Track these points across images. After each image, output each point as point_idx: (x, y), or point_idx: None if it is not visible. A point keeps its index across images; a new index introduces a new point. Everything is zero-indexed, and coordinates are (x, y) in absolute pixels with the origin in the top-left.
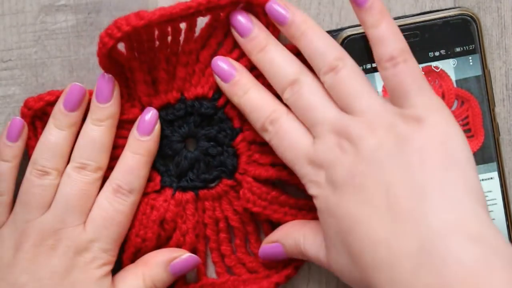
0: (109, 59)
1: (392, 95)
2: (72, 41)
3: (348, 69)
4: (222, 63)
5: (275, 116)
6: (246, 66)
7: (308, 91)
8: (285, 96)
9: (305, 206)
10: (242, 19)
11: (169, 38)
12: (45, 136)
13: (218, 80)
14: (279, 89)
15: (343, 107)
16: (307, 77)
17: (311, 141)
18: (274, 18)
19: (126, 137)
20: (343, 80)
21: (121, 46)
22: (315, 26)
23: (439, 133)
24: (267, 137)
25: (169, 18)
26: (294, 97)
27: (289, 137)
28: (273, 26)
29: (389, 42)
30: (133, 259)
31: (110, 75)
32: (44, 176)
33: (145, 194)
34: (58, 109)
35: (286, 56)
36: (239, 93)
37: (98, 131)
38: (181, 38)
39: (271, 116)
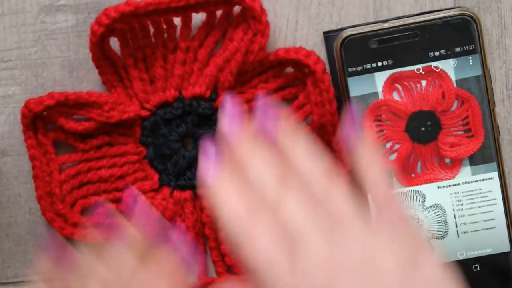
0: (102, 54)
1: (383, 233)
2: (72, 41)
3: (340, 194)
4: (209, 166)
5: (254, 229)
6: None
7: (295, 211)
8: (268, 212)
9: None
10: (232, 120)
11: (165, 35)
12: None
13: (200, 176)
14: (260, 202)
15: (332, 234)
16: (295, 195)
17: (289, 266)
18: (263, 135)
19: (128, 136)
20: (335, 207)
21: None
22: (307, 144)
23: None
24: (240, 252)
25: (157, 7)
26: (278, 215)
27: (264, 256)
28: (261, 34)
29: (380, 186)
30: None
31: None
32: None
33: (143, 192)
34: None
35: (275, 171)
36: (220, 199)
37: None
38: (178, 35)
39: (250, 227)
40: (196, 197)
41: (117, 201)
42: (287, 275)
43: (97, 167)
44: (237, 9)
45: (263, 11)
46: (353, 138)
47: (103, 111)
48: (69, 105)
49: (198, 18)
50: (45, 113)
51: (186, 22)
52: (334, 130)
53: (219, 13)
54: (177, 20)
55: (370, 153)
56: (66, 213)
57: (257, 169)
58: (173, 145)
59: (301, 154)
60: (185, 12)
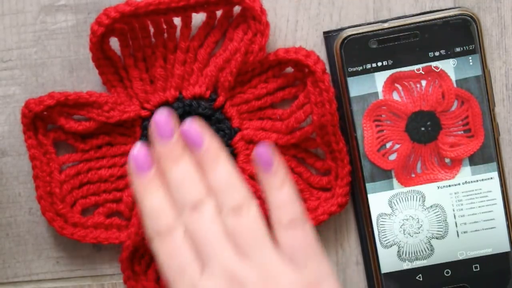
0: (102, 55)
1: (288, 256)
2: (72, 41)
3: (252, 214)
4: (141, 153)
5: (171, 228)
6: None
7: (209, 220)
8: (185, 215)
9: None
10: (164, 121)
11: (165, 35)
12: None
13: (130, 167)
14: (179, 204)
15: (240, 251)
16: (212, 205)
17: (199, 270)
18: (188, 139)
19: (128, 136)
20: (246, 225)
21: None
22: (229, 159)
23: None
24: (155, 246)
25: (157, 7)
26: (193, 220)
27: (178, 257)
28: (261, 34)
29: (290, 206)
30: (132, 259)
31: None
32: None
33: None
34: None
35: (198, 176)
36: (144, 192)
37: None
38: (178, 35)
39: (167, 226)
40: None
41: (117, 201)
42: (197, 276)
43: (97, 167)
44: (237, 9)
45: (263, 11)
46: (265, 158)
47: (103, 111)
48: (69, 105)
49: (198, 18)
50: (45, 113)
51: (186, 22)
52: (334, 130)
53: (219, 13)
54: (177, 20)
55: (281, 175)
56: (66, 213)
57: (177, 176)
58: None
59: (221, 170)
60: (185, 12)
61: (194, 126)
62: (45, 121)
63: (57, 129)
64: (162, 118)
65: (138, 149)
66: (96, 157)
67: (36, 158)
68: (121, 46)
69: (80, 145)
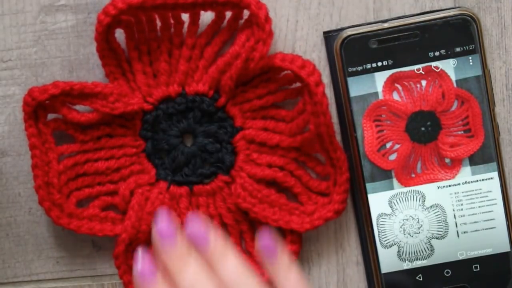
0: (107, 46)
1: None
2: (72, 41)
3: None
4: (144, 265)
5: None
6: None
7: None
8: None
9: (295, 210)
10: (166, 230)
11: (172, 29)
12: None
13: (135, 278)
14: None
15: None
16: None
17: None
18: (194, 240)
19: (127, 128)
20: None
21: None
22: (235, 253)
23: None
24: None
25: (165, 2)
26: None
27: None
28: (263, 42)
29: None
30: (126, 252)
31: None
32: None
33: (139, 186)
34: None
35: (208, 276)
36: None
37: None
38: (184, 31)
39: None
40: (192, 193)
41: (111, 193)
42: None
43: (95, 159)
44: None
45: (267, 20)
46: (269, 249)
47: (108, 102)
48: (73, 95)
49: (207, 16)
50: (47, 102)
51: (194, 19)
52: (330, 140)
53: (229, 14)
54: (185, 17)
55: (286, 260)
56: (62, 204)
57: (188, 279)
58: (172, 140)
59: (230, 265)
60: (193, 9)
61: (197, 225)
62: (46, 110)
63: (57, 119)
64: (164, 227)
65: (141, 261)
66: (95, 148)
67: (36, 147)
68: (127, 38)
69: (80, 136)
